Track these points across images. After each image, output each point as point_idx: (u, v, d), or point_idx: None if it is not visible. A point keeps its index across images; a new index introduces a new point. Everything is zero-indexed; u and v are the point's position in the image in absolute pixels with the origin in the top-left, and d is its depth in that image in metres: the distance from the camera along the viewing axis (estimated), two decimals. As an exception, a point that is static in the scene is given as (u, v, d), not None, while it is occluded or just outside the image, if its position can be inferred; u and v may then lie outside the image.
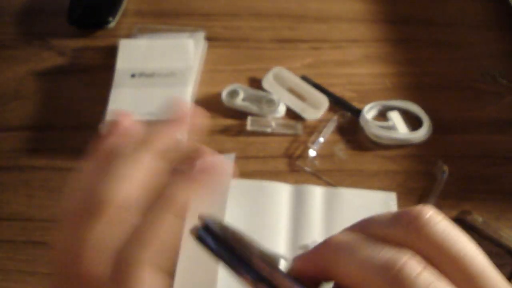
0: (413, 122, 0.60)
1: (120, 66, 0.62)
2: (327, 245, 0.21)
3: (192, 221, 0.24)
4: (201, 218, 0.23)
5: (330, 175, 0.56)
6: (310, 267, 0.21)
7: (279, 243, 0.51)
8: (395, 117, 0.59)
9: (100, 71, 0.64)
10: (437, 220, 0.20)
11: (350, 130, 0.60)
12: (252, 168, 0.56)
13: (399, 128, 0.58)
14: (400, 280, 0.18)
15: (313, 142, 0.58)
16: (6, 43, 0.68)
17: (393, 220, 0.20)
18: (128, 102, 0.59)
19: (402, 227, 0.20)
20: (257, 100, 0.61)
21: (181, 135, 0.29)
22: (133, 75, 0.61)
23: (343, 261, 0.20)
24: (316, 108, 0.61)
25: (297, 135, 0.59)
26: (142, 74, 0.61)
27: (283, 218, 0.52)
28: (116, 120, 0.28)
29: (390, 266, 0.18)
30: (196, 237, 0.23)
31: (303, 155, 0.57)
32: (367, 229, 0.21)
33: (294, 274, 0.21)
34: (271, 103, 0.60)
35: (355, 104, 0.61)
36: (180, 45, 0.63)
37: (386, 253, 0.19)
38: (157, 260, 0.24)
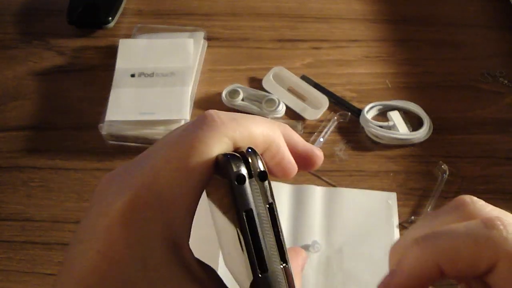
0: (413, 122, 0.60)
1: (120, 66, 0.61)
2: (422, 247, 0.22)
3: None
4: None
5: (330, 175, 0.56)
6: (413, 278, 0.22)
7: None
8: (395, 117, 0.59)
9: (99, 71, 0.64)
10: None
11: (351, 130, 0.59)
12: (252, 168, 0.56)
13: (399, 128, 0.58)
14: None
15: (313, 142, 0.58)
16: (6, 43, 0.68)
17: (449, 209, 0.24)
18: (128, 102, 0.58)
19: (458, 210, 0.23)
20: (257, 100, 0.61)
21: None
22: (132, 75, 0.61)
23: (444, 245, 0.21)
24: (316, 108, 0.61)
25: (297, 135, 0.59)
26: (141, 74, 0.61)
27: (283, 218, 0.52)
28: None
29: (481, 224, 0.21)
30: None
31: (303, 155, 0.57)
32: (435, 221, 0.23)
33: None
34: (271, 103, 0.60)
35: (355, 104, 0.61)
36: (180, 45, 0.63)
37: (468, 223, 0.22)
38: None
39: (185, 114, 0.58)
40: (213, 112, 0.23)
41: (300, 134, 0.59)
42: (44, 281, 0.50)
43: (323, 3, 0.72)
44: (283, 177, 0.24)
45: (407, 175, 0.56)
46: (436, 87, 0.63)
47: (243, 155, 0.21)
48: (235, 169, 0.20)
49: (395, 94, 0.62)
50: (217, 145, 0.21)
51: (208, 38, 0.67)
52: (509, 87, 0.63)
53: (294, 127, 0.59)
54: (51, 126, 0.60)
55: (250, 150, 0.21)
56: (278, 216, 0.20)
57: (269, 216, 0.20)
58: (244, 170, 0.20)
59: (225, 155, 0.21)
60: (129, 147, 0.58)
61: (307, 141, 0.58)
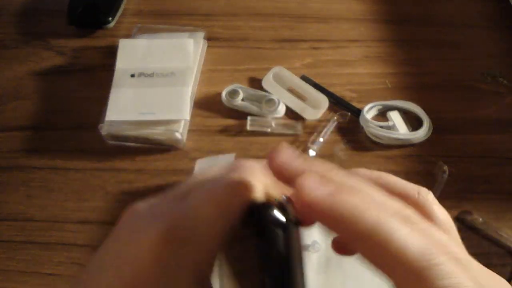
0: (413, 122, 0.60)
1: (120, 66, 0.61)
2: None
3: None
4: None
5: (330, 175, 0.56)
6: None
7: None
8: (395, 117, 0.59)
9: (99, 71, 0.64)
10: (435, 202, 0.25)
11: (350, 130, 0.59)
12: (252, 168, 0.56)
13: (399, 128, 0.58)
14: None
15: (313, 142, 0.58)
16: (6, 43, 0.68)
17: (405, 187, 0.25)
18: (127, 102, 0.58)
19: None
20: (257, 100, 0.61)
21: None
22: (132, 75, 0.61)
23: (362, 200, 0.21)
24: (316, 108, 0.61)
25: (297, 135, 0.59)
26: (141, 74, 0.61)
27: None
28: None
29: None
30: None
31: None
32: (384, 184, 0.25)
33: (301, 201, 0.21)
34: (271, 103, 0.60)
35: (355, 104, 0.61)
36: (180, 45, 0.63)
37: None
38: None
39: (185, 114, 0.58)
40: (248, 160, 0.25)
41: (300, 134, 0.59)
42: (44, 281, 0.50)
43: (323, 3, 0.72)
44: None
45: (407, 175, 0.56)
46: (436, 87, 0.63)
47: (279, 202, 0.22)
48: (274, 215, 0.21)
49: (395, 94, 0.62)
50: (254, 190, 0.22)
51: (208, 38, 0.67)
52: (509, 87, 0.63)
53: (294, 127, 0.59)
54: (51, 126, 0.61)
55: (285, 197, 0.22)
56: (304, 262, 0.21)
57: (301, 262, 0.21)
58: (282, 217, 0.21)
59: (265, 202, 0.22)
60: (129, 147, 0.58)
61: (307, 141, 0.58)
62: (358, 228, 0.20)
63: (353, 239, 0.20)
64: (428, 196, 0.25)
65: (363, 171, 0.25)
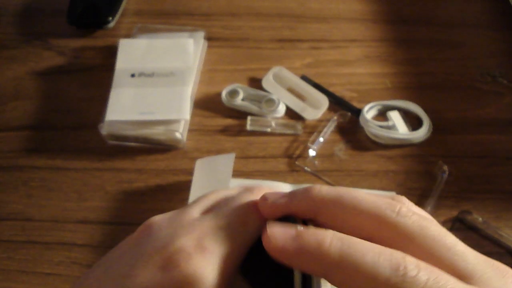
0: (413, 122, 0.60)
1: (120, 66, 0.62)
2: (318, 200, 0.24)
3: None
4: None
5: (329, 175, 0.56)
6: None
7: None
8: (395, 117, 0.59)
9: (100, 71, 0.65)
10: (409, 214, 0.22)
11: (350, 130, 0.60)
12: (252, 168, 0.56)
13: (399, 128, 0.58)
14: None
15: (313, 142, 0.58)
16: (6, 43, 0.68)
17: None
18: (127, 102, 0.58)
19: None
20: (257, 100, 0.61)
21: None
22: (132, 75, 0.61)
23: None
24: (316, 108, 0.61)
25: (297, 135, 0.59)
26: (141, 74, 0.61)
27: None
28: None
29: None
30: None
31: (303, 155, 0.57)
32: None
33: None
34: (271, 103, 0.60)
35: (355, 104, 0.61)
36: (180, 45, 0.63)
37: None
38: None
39: (185, 114, 0.58)
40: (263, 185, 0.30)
41: (300, 134, 0.59)
42: (44, 281, 0.50)
43: (323, 3, 0.72)
44: None
45: (407, 175, 0.56)
46: (436, 87, 0.63)
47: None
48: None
49: (395, 94, 0.62)
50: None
51: (208, 38, 0.67)
52: (509, 87, 0.63)
53: (294, 127, 0.59)
54: (51, 126, 0.61)
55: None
56: None
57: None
58: None
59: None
60: (129, 147, 0.58)
61: (307, 140, 0.58)
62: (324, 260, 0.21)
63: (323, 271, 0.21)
64: (405, 211, 0.22)
65: (320, 191, 0.24)
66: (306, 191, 0.24)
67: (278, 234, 0.22)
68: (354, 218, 0.22)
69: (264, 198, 0.26)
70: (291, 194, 0.25)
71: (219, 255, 0.23)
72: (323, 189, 0.24)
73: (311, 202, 0.24)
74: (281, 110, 0.60)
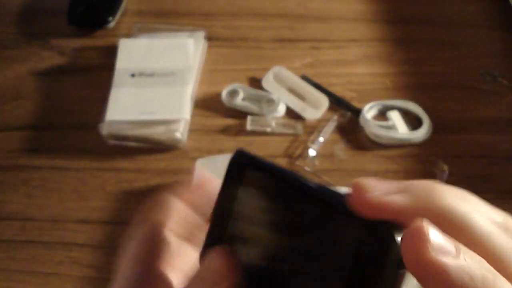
0: (413, 122, 0.60)
1: (120, 65, 0.62)
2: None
3: None
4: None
5: (330, 175, 0.56)
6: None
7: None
8: (395, 117, 0.59)
9: (100, 71, 0.64)
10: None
11: (350, 130, 0.59)
12: (252, 168, 0.56)
13: (399, 128, 0.58)
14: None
15: (313, 142, 0.58)
16: (6, 43, 0.68)
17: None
18: (128, 102, 0.59)
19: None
20: (257, 100, 0.61)
21: None
22: (133, 75, 0.61)
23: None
24: (316, 108, 0.61)
25: (297, 135, 0.59)
26: (142, 74, 0.61)
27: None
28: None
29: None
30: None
31: (303, 154, 0.57)
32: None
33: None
34: (271, 102, 0.60)
35: (355, 104, 0.61)
36: (180, 45, 0.63)
37: None
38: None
39: (185, 114, 0.58)
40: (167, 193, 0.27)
41: (300, 134, 0.59)
42: (44, 280, 0.50)
43: (323, 3, 0.72)
44: None
45: (407, 175, 0.56)
46: (436, 87, 0.63)
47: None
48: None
49: (395, 94, 0.62)
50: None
51: (208, 38, 0.67)
52: (509, 87, 0.63)
53: (294, 127, 0.59)
54: (51, 126, 0.61)
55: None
56: None
57: None
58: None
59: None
60: (129, 147, 0.58)
61: (307, 140, 0.58)
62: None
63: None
64: None
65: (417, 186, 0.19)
66: (431, 195, 0.18)
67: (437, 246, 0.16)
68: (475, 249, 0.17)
69: (361, 188, 0.18)
70: (407, 188, 0.18)
71: None
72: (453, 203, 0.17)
73: (436, 217, 0.17)
74: (281, 110, 0.60)
